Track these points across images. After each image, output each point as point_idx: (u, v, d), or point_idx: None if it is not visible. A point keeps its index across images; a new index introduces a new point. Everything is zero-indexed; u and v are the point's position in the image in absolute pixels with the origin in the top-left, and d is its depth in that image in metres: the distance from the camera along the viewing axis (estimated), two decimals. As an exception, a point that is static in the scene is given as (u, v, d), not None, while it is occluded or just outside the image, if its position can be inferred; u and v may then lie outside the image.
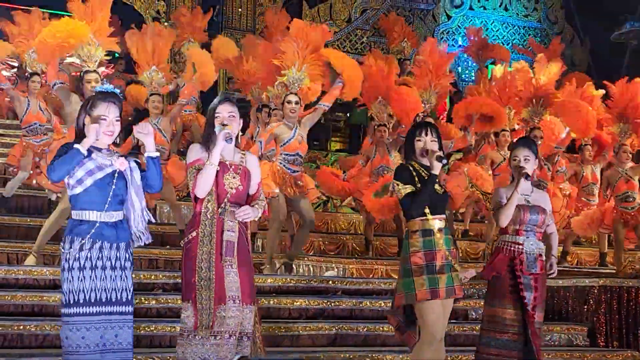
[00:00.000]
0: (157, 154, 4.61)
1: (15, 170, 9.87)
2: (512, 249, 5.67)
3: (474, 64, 15.72)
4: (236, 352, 4.71)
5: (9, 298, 6.40)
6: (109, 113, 4.46)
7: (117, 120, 4.49)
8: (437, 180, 5.18)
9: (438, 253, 5.12)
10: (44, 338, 6.03)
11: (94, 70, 7.64)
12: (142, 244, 4.69)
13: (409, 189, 5.14)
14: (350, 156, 12.03)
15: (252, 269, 4.94)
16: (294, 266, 8.60)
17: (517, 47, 17.44)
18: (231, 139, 4.78)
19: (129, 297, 4.47)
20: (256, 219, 5.01)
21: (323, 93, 8.62)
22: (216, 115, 4.83)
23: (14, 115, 11.88)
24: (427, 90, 9.95)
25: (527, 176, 5.61)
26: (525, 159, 5.67)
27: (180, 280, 7.08)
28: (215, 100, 4.92)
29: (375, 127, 10.06)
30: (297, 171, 8.14)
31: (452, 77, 10.88)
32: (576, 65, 17.70)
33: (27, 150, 9.64)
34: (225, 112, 4.83)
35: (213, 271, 4.66)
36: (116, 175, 4.45)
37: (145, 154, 4.58)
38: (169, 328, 6.33)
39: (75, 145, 4.35)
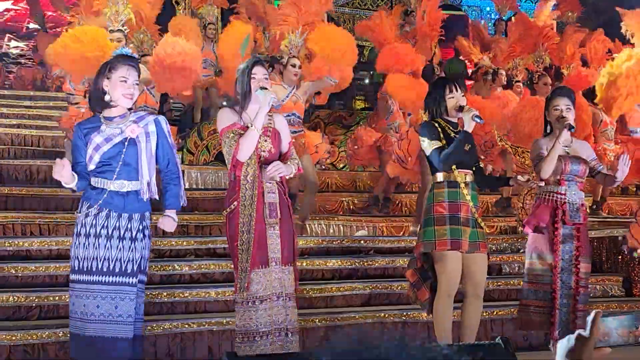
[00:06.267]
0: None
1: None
2: (555, 199, 5.60)
3: (495, 17, 15.42)
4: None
5: (43, 269, 6.41)
6: (129, 76, 4.46)
7: (136, 84, 4.49)
8: (469, 137, 5.12)
9: (463, 206, 5.08)
10: (80, 308, 6.06)
11: (118, 30, 7.53)
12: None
13: (435, 144, 5.09)
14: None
15: (293, 230, 4.93)
16: (307, 226, 8.51)
17: None
18: (279, 104, 4.78)
19: (134, 268, 4.40)
20: (290, 176, 4.99)
21: None
22: (252, 76, 4.81)
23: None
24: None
25: (570, 127, 5.51)
26: (567, 109, 5.57)
27: (212, 246, 7.19)
28: (247, 62, 4.90)
29: None
30: (297, 131, 7.84)
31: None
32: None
33: None
34: (261, 74, 4.84)
35: (253, 234, 4.66)
36: (126, 143, 4.42)
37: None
38: (204, 294, 6.35)
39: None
